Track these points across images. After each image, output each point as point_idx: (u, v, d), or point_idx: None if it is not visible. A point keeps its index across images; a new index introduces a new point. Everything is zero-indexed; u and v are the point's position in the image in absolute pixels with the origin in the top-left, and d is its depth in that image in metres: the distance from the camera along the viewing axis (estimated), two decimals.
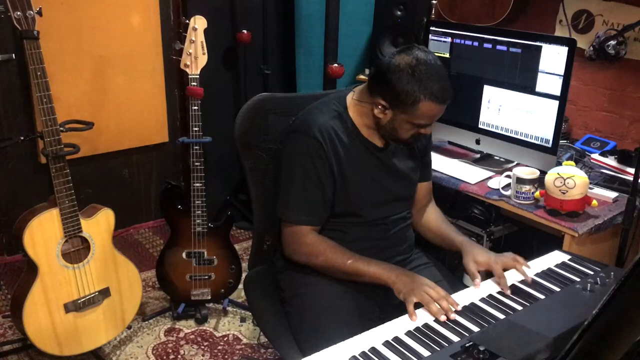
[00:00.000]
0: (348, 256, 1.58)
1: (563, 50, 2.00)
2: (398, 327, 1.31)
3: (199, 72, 2.32)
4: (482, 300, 1.43)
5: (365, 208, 1.68)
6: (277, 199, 1.66)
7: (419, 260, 1.81)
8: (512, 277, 1.52)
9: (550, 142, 2.09)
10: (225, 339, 2.49)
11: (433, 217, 1.84)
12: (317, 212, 1.62)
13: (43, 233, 2.02)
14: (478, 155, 2.38)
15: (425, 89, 1.50)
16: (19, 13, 1.87)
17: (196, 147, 2.36)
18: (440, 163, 2.29)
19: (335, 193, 1.63)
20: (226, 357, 2.39)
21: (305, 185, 1.60)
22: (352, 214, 1.67)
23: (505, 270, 1.53)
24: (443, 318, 1.33)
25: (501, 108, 2.23)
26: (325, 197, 1.61)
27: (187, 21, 2.29)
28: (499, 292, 1.46)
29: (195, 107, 2.34)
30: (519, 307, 1.39)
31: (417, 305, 1.40)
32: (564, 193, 1.83)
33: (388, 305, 1.60)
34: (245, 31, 3.20)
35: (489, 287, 1.49)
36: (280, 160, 1.67)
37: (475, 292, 1.47)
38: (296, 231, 1.62)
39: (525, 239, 2.26)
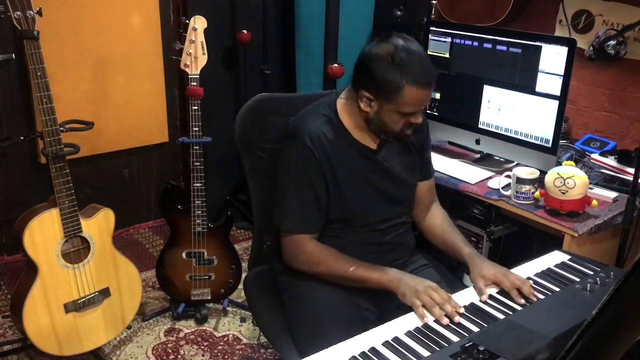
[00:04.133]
0: (350, 263, 1.57)
1: (563, 50, 2.00)
2: (398, 327, 1.31)
3: (199, 72, 2.32)
4: (482, 300, 1.43)
5: (360, 213, 1.66)
6: (274, 208, 1.65)
7: (418, 262, 1.79)
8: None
9: (550, 142, 2.09)
10: (225, 339, 2.49)
11: (438, 221, 1.79)
12: (313, 219, 1.61)
13: (43, 233, 2.01)
14: (478, 155, 2.38)
15: (407, 75, 1.47)
16: (19, 13, 1.87)
17: (196, 147, 2.36)
18: (440, 163, 2.29)
19: (330, 199, 1.61)
20: (226, 357, 2.39)
21: (300, 194, 1.59)
22: (347, 220, 1.66)
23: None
24: (445, 321, 1.32)
25: (501, 108, 2.23)
26: (319, 204, 1.60)
27: (187, 21, 2.29)
28: (498, 292, 1.46)
29: (195, 107, 2.34)
30: (519, 307, 1.39)
31: None
32: (564, 193, 1.83)
33: (387, 306, 1.59)
34: (245, 31, 3.20)
35: (489, 288, 1.49)
36: (276, 167, 1.66)
37: (475, 292, 1.47)
38: (296, 240, 1.61)
39: (525, 239, 2.26)
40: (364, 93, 1.54)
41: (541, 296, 1.43)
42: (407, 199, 1.77)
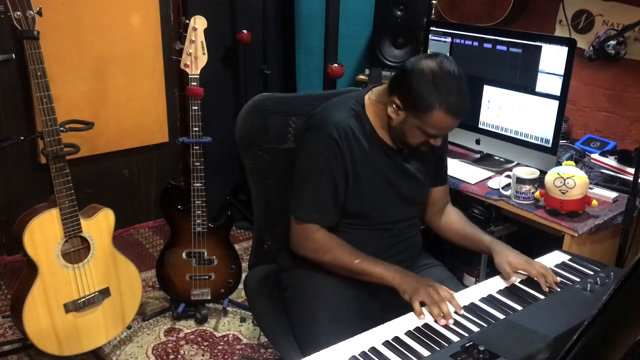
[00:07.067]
0: (355, 255, 1.58)
1: (563, 50, 2.00)
2: (398, 327, 1.31)
3: (199, 72, 2.32)
4: (482, 300, 1.43)
5: (375, 210, 1.67)
6: (290, 196, 1.65)
7: (425, 260, 1.81)
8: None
9: (550, 142, 2.09)
10: (225, 339, 2.49)
11: (455, 218, 1.83)
12: (329, 211, 1.62)
13: (43, 233, 2.02)
14: (478, 155, 2.38)
15: (441, 99, 1.48)
16: (19, 13, 1.87)
17: (196, 147, 2.36)
18: None
19: (348, 193, 1.62)
20: (226, 357, 2.39)
21: (319, 185, 1.59)
22: (361, 216, 1.67)
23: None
24: (443, 322, 1.33)
25: (501, 108, 2.23)
26: (337, 197, 1.61)
27: (187, 21, 2.29)
28: (498, 292, 1.46)
29: (195, 107, 2.34)
30: (519, 307, 1.39)
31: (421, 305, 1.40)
32: (564, 193, 1.83)
33: (389, 305, 1.59)
34: (245, 31, 3.21)
35: (489, 287, 1.49)
36: (294, 157, 1.66)
37: (475, 292, 1.47)
38: (306, 227, 1.62)
39: (525, 239, 2.25)
40: (394, 99, 1.55)
41: (541, 296, 1.44)
42: (419, 201, 1.79)
